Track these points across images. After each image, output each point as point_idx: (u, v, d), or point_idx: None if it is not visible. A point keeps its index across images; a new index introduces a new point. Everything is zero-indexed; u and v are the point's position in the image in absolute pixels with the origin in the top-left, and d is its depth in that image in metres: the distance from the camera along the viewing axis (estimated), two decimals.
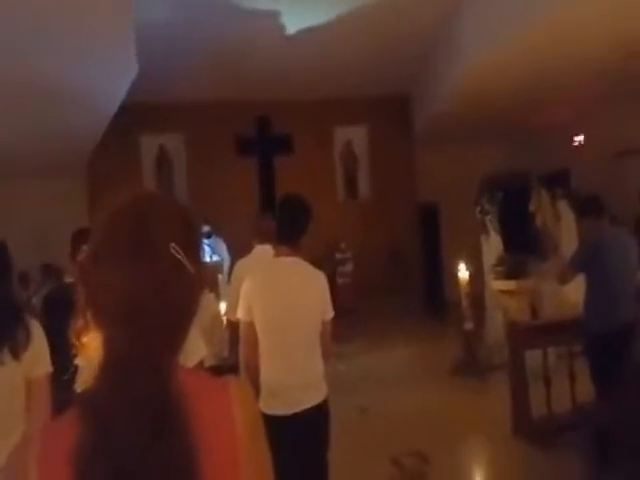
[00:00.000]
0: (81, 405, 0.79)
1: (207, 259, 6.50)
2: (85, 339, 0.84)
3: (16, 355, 1.84)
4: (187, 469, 0.76)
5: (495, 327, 5.94)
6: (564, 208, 6.72)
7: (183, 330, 0.85)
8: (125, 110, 6.46)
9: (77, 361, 0.83)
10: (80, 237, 2.64)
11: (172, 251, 0.82)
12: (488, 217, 6.68)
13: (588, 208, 3.95)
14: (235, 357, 3.00)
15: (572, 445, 3.68)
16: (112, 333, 0.80)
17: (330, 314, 2.62)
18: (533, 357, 4.32)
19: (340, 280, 7.72)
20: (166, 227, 0.84)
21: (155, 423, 0.75)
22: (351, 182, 8.94)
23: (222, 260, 6.52)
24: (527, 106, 7.17)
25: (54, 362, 1.90)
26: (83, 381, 0.83)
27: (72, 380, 1.77)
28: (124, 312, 0.79)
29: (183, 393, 0.79)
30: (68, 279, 2.88)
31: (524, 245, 6.92)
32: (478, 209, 6.74)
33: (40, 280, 6.74)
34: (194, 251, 0.86)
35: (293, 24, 6.88)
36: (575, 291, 4.23)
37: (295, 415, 2.41)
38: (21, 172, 7.29)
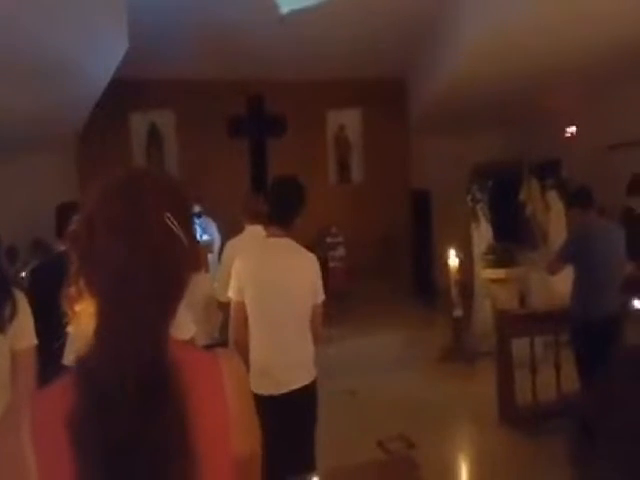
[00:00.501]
0: (75, 372, 0.79)
1: (197, 238, 6.48)
2: (78, 308, 0.83)
3: (1, 328, 1.84)
4: (180, 436, 0.77)
5: (483, 315, 5.99)
6: (554, 198, 6.77)
7: (175, 300, 0.85)
8: (116, 86, 6.34)
9: (69, 329, 0.82)
10: (66, 211, 2.61)
11: (166, 220, 0.83)
12: (479, 205, 6.70)
13: (576, 200, 3.99)
14: (225, 337, 2.99)
15: (557, 432, 3.74)
16: (105, 301, 0.80)
17: (321, 297, 2.62)
18: (520, 345, 4.36)
19: (331, 264, 7.71)
20: (160, 198, 0.85)
21: (149, 390, 0.76)
22: (344, 166, 8.88)
23: (212, 240, 6.49)
24: (521, 94, 7.15)
25: (43, 332, 1.89)
26: (75, 349, 0.82)
27: (61, 349, 1.77)
28: (117, 280, 0.79)
29: (175, 362, 0.80)
30: (57, 249, 2.87)
31: (514, 234, 6.98)
32: (469, 197, 6.76)
33: (29, 255, 6.68)
34: (187, 224, 0.87)
35: (287, 3, 6.77)
36: (563, 281, 4.26)
37: (283, 395, 2.42)
38: (9, 146, 7.15)
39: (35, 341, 1.94)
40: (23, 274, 6.43)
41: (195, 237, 0.92)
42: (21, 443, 0.75)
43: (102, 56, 5.64)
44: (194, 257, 0.90)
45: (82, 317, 0.83)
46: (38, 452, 0.75)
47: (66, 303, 0.83)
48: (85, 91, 6.17)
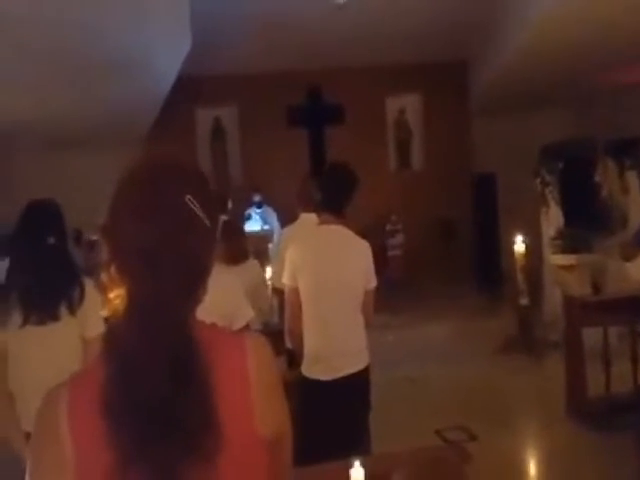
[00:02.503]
0: (107, 349, 0.82)
1: (258, 228, 6.62)
2: (112, 294, 0.87)
3: (72, 310, 1.96)
4: (206, 409, 0.79)
5: (552, 303, 5.73)
6: (633, 179, 6.33)
7: (199, 280, 0.88)
8: (181, 83, 6.56)
9: (104, 314, 0.87)
10: None
11: (188, 202, 0.84)
12: (548, 189, 6.39)
13: None
14: (282, 322, 3.04)
15: (630, 428, 3.50)
16: (132, 283, 0.84)
17: (373, 283, 2.60)
18: (592, 336, 4.13)
19: (390, 252, 7.64)
20: (180, 181, 0.87)
21: (176, 366, 0.79)
22: (404, 152, 8.73)
23: (272, 229, 6.60)
24: (594, 67, 6.71)
25: None
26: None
27: None
28: (142, 262, 0.82)
29: (199, 341, 0.82)
30: None
31: (588, 218, 6.58)
32: (538, 180, 6.45)
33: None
34: (209, 206, 0.88)
35: None
36: None
37: (335, 381, 2.43)
38: (82, 143, 7.59)
39: (102, 329, 2.04)
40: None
41: (217, 218, 0.94)
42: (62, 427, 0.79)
43: (167, 54, 5.84)
44: (215, 239, 0.92)
45: (115, 302, 0.86)
46: (75, 435, 0.79)
47: (100, 289, 0.88)
48: (152, 89, 6.42)
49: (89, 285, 2.05)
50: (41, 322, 1.94)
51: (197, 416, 0.78)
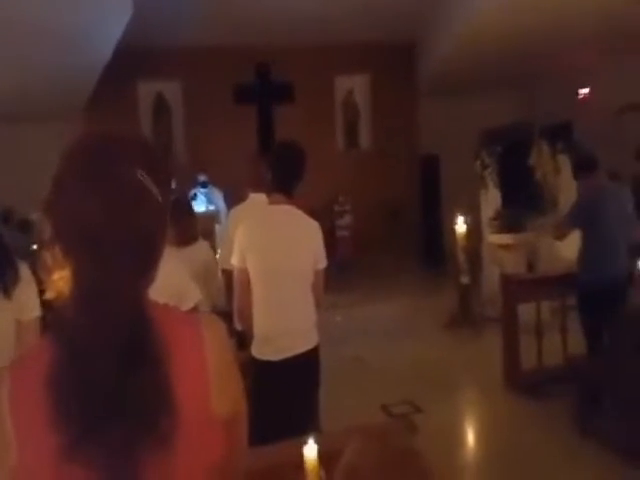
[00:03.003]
0: (54, 332, 0.80)
1: (203, 208, 6.50)
2: (55, 276, 0.83)
3: (7, 293, 1.87)
4: (160, 391, 0.77)
5: (491, 281, 5.97)
6: (564, 162, 6.64)
7: (152, 257, 0.85)
8: (122, 55, 6.28)
9: (47, 296, 0.83)
10: None
11: (139, 176, 0.81)
12: (487, 171, 6.61)
13: (580, 165, 3.95)
14: (230, 304, 3.02)
15: (562, 396, 3.76)
16: (80, 262, 0.79)
17: (323, 263, 2.62)
18: (527, 311, 4.36)
19: (339, 233, 7.71)
20: (128, 152, 0.83)
21: (129, 347, 0.76)
22: (352, 132, 8.79)
23: (218, 210, 6.50)
24: (532, 54, 6.96)
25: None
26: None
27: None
28: (91, 239, 0.78)
29: (153, 321, 0.80)
30: None
31: (524, 199, 6.88)
32: (478, 162, 6.66)
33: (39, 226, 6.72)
34: (161, 182, 0.85)
35: None
36: (571, 247, 4.23)
37: (286, 360, 2.45)
38: (17, 117, 7.15)
39: (39, 312, 1.94)
40: (34, 246, 6.51)
41: (169, 190, 0.89)
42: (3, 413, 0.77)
43: (106, 21, 5.57)
44: (167, 212, 0.88)
45: (59, 283, 0.83)
46: (16, 419, 0.77)
47: (43, 271, 0.83)
48: (90, 58, 6.11)
49: (23, 267, 1.97)
50: None
51: (152, 396, 0.77)
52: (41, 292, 0.88)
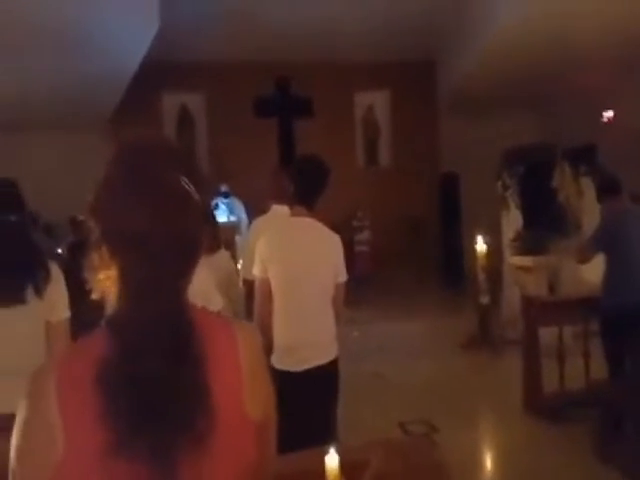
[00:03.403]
0: (106, 329, 0.81)
1: (224, 219, 6.55)
2: (101, 276, 0.84)
3: (39, 293, 1.89)
4: (201, 393, 0.79)
5: (511, 302, 5.90)
6: (587, 185, 6.57)
7: (193, 260, 0.88)
8: (148, 67, 6.42)
9: (94, 296, 0.84)
10: None
11: (182, 182, 0.84)
12: (509, 192, 6.57)
13: (604, 188, 3.92)
14: (250, 314, 3.02)
15: (584, 421, 3.67)
16: (128, 263, 0.82)
17: (343, 277, 2.61)
18: (548, 334, 4.28)
19: (357, 248, 7.70)
20: (173, 160, 0.87)
21: (174, 347, 0.79)
22: (371, 148, 8.82)
23: (239, 220, 6.54)
24: (557, 74, 6.95)
25: (79, 306, 1.93)
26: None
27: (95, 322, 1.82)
28: (139, 243, 0.81)
29: (195, 324, 0.83)
30: None
31: (545, 221, 6.81)
32: (499, 183, 6.63)
33: (66, 233, 6.85)
34: (199, 186, 0.88)
35: None
36: (594, 270, 4.16)
37: (305, 372, 2.44)
38: (44, 124, 7.32)
39: (68, 314, 1.98)
40: (59, 250, 6.62)
41: (205, 200, 0.95)
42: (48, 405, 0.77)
43: (133, 35, 5.70)
44: (204, 214, 0.93)
45: (105, 283, 0.84)
46: (64, 413, 0.77)
47: (89, 272, 0.85)
48: (117, 70, 6.26)
49: (54, 267, 1.99)
50: (6, 304, 1.87)
51: (192, 397, 0.78)
52: (86, 292, 0.88)
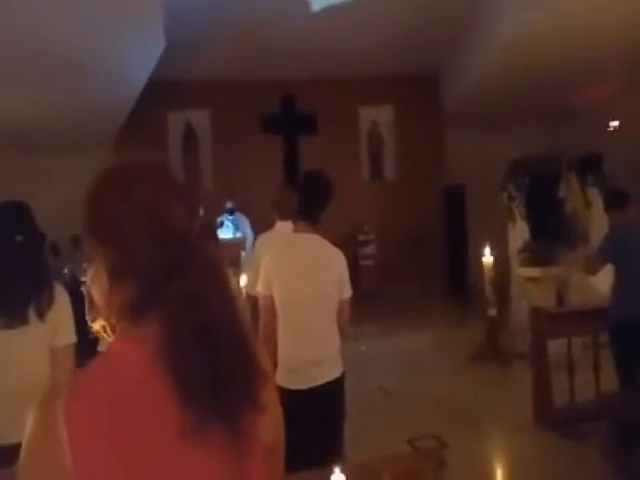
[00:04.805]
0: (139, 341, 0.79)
1: (230, 235, 6.56)
2: (96, 326, 0.84)
3: (41, 315, 1.86)
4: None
5: (519, 314, 5.85)
6: (595, 195, 6.54)
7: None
8: (152, 86, 6.49)
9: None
10: None
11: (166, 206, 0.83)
12: (515, 203, 6.55)
13: (611, 202, 3.90)
14: (254, 330, 3.01)
15: (594, 434, 3.61)
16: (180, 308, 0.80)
17: (348, 293, 2.60)
18: (557, 346, 4.24)
19: (362, 262, 7.68)
20: (163, 181, 0.86)
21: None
22: (376, 162, 8.84)
23: (245, 236, 6.55)
24: (561, 86, 6.95)
25: (83, 327, 1.91)
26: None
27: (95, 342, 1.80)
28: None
29: None
30: None
31: (552, 232, 6.77)
32: (505, 195, 6.61)
33: (71, 251, 6.90)
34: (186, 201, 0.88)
35: (319, 2, 6.78)
36: (603, 281, 4.13)
37: (310, 390, 2.42)
38: (50, 146, 7.41)
39: (74, 339, 1.92)
40: (66, 270, 6.63)
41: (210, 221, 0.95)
42: (56, 431, 0.72)
43: (140, 56, 5.78)
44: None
45: (101, 333, 0.84)
46: (74, 439, 0.71)
47: (88, 312, 0.84)
48: (123, 91, 6.33)
49: (59, 290, 1.96)
50: (9, 325, 1.85)
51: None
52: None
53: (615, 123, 7.93)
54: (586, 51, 5.99)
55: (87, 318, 0.85)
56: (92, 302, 0.84)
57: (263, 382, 0.81)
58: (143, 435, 0.74)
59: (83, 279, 0.87)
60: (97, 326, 0.85)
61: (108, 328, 0.84)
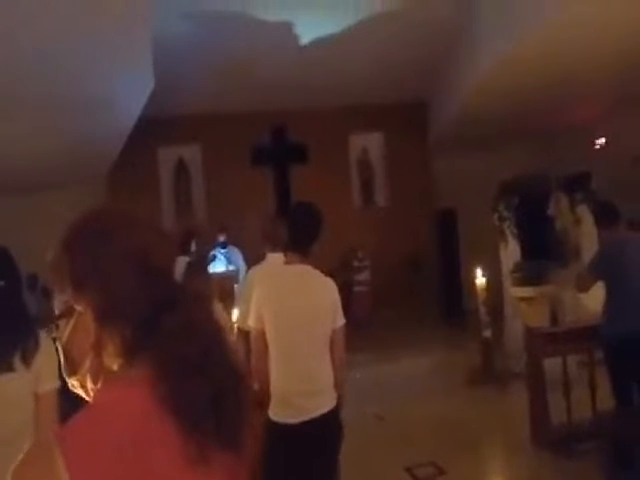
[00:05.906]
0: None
1: (223, 268, 6.55)
2: (74, 382, 0.85)
3: (27, 361, 1.86)
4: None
5: (514, 335, 5.85)
6: (584, 212, 6.60)
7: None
8: (143, 122, 6.58)
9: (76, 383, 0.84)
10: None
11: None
12: (506, 224, 6.60)
13: (602, 217, 3.92)
14: (246, 365, 3.00)
15: (591, 454, 3.59)
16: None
17: (341, 321, 2.60)
18: (552, 365, 4.24)
19: (357, 288, 7.69)
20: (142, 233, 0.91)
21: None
22: (367, 189, 8.94)
23: (238, 269, 6.54)
24: (546, 107, 7.08)
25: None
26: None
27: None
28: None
29: None
30: None
31: (543, 251, 6.81)
32: (496, 216, 6.67)
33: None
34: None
35: (307, 34, 6.96)
36: (595, 298, 4.15)
37: (304, 423, 2.40)
38: (43, 185, 7.45)
39: (56, 384, 1.88)
40: (57, 312, 6.57)
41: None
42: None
43: (130, 95, 5.87)
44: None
45: (78, 389, 0.86)
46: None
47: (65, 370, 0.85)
48: (115, 128, 6.41)
49: (43, 336, 1.92)
50: None
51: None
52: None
53: (601, 140, 8.06)
54: (566, 75, 6.13)
55: (63, 374, 0.86)
56: (67, 357, 0.85)
57: (253, 403, 0.85)
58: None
59: (54, 335, 0.89)
60: (74, 380, 0.86)
61: (88, 380, 0.85)
